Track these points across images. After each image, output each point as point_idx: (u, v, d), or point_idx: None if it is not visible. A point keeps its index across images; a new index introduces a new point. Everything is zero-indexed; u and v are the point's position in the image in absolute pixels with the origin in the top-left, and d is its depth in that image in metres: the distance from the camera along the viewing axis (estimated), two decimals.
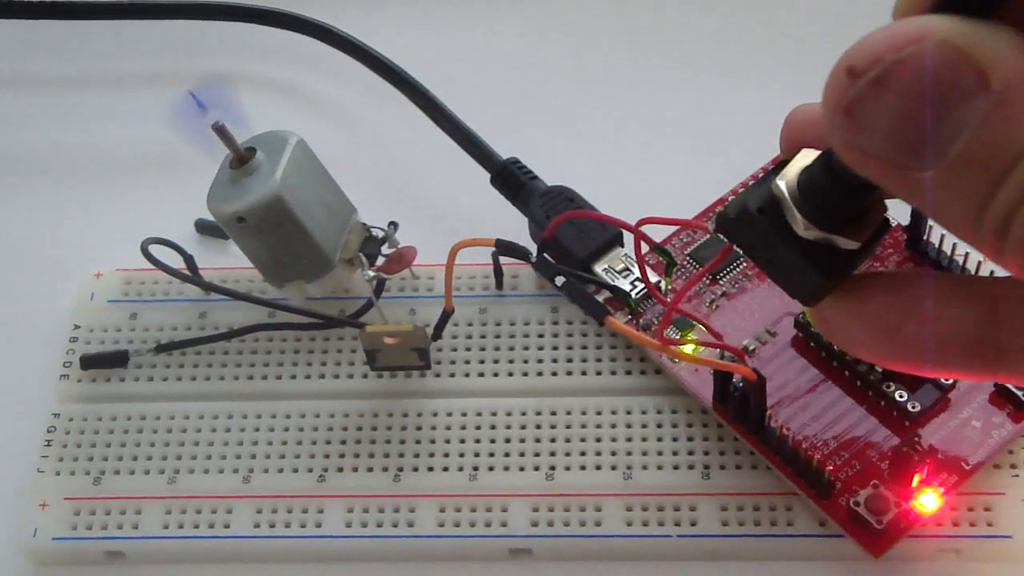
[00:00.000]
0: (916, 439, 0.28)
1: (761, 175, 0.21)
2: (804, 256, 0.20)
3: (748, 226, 0.21)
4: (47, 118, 0.41)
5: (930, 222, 0.31)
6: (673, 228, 0.33)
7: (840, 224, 0.20)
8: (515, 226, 0.34)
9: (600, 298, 0.32)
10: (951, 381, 0.30)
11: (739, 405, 0.29)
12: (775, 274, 0.21)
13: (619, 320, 0.30)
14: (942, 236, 0.31)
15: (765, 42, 0.41)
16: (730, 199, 0.21)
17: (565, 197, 0.34)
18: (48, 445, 0.32)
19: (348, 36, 0.39)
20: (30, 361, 0.34)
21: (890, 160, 0.17)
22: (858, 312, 0.21)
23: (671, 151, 0.38)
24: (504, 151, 0.35)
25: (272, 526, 0.30)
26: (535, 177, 0.35)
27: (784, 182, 0.20)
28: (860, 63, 0.17)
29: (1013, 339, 0.19)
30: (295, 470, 0.31)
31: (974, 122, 0.17)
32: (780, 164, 0.21)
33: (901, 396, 0.30)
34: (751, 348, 0.31)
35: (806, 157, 0.20)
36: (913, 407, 0.29)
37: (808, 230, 0.20)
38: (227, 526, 0.31)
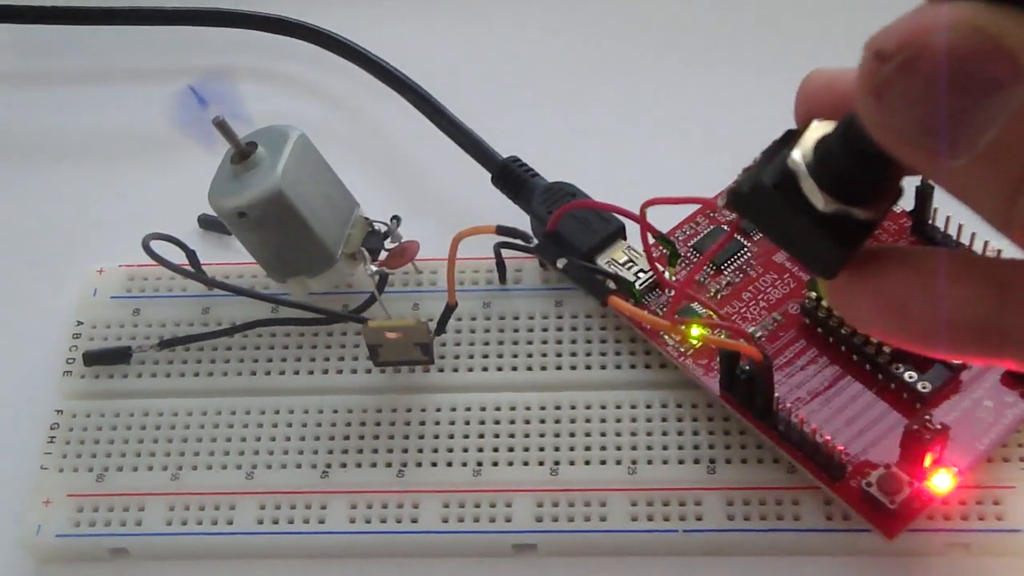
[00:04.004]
0: (927, 419, 0.28)
1: (767, 149, 0.21)
2: (823, 230, 0.20)
3: (763, 202, 0.20)
4: (49, 115, 0.41)
5: (935, 206, 0.31)
6: (675, 222, 0.33)
7: (859, 196, 0.20)
8: (518, 222, 0.34)
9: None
10: (963, 361, 0.29)
11: (746, 390, 0.29)
12: (791, 248, 0.21)
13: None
14: (947, 219, 0.31)
15: (768, 34, 0.40)
16: (740, 175, 0.21)
17: (567, 192, 0.34)
18: (51, 442, 0.32)
19: (347, 41, 0.39)
20: (33, 357, 0.34)
21: (921, 146, 0.17)
22: (867, 287, 0.20)
23: (673, 146, 0.38)
24: (504, 148, 0.35)
25: (275, 522, 0.30)
26: (536, 174, 0.35)
27: (800, 155, 0.20)
28: (888, 47, 0.17)
29: (1019, 322, 0.19)
30: (298, 466, 0.31)
31: (1006, 113, 0.16)
32: (787, 136, 0.21)
33: (911, 377, 0.29)
34: (758, 336, 0.31)
35: (818, 129, 0.20)
36: (923, 388, 0.29)
37: (829, 204, 0.20)
38: (230, 522, 0.30)
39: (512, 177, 0.35)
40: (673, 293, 0.31)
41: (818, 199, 0.20)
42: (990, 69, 0.16)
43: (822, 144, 0.20)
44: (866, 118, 0.18)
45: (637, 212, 0.28)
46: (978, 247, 0.30)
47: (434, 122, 0.37)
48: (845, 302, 0.21)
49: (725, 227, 0.32)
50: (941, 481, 0.28)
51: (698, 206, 0.33)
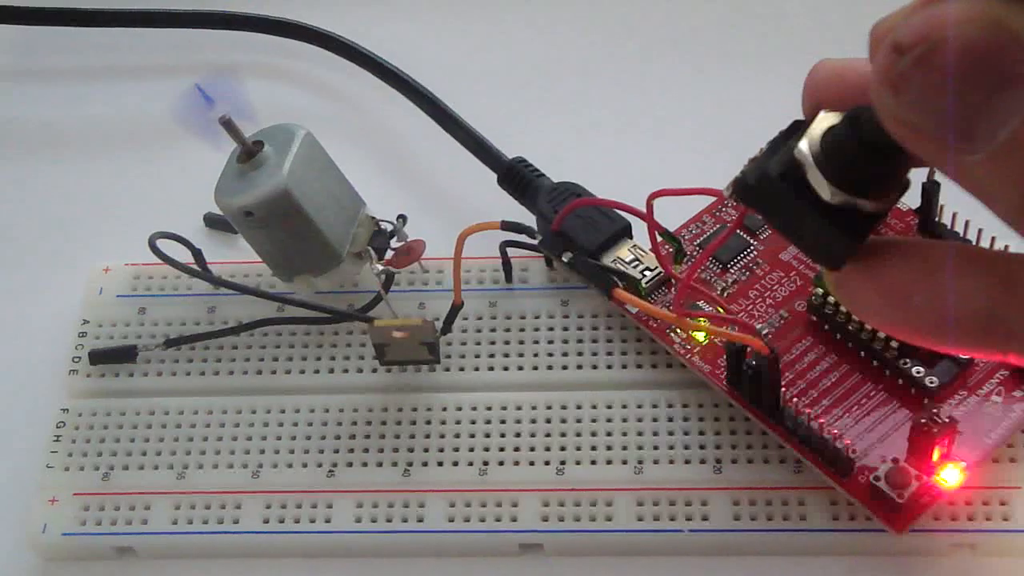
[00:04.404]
0: (935, 413, 0.28)
1: (774, 139, 0.21)
2: (829, 221, 0.20)
3: (769, 192, 0.20)
4: (56, 113, 0.41)
5: (941, 203, 0.31)
6: (682, 221, 0.33)
7: (866, 187, 0.20)
8: (525, 222, 0.34)
9: None
10: (969, 356, 0.29)
11: (753, 385, 0.29)
12: (797, 239, 0.21)
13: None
14: (953, 215, 0.31)
15: (774, 33, 0.40)
16: (746, 165, 0.21)
17: (572, 192, 0.34)
18: (57, 440, 0.32)
19: (353, 44, 0.39)
20: (39, 356, 0.35)
21: (938, 139, 0.17)
22: (871, 278, 0.20)
23: (680, 146, 0.38)
24: (510, 148, 0.35)
25: (281, 521, 0.30)
26: (542, 175, 0.35)
27: (808, 146, 0.20)
28: (906, 39, 0.17)
29: (1022, 319, 0.19)
30: (304, 465, 0.31)
31: (1023, 109, 0.16)
32: (794, 127, 0.21)
33: (918, 372, 0.29)
34: (765, 333, 0.31)
35: (825, 120, 0.20)
36: (931, 382, 0.29)
37: (835, 195, 0.20)
38: (236, 521, 0.30)
39: (518, 177, 0.35)
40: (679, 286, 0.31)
41: (825, 190, 0.20)
42: (1008, 64, 0.16)
43: (829, 135, 0.20)
44: (882, 111, 0.18)
45: (643, 210, 0.28)
46: (984, 244, 0.30)
47: (440, 124, 0.37)
48: (849, 293, 0.21)
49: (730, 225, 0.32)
50: (950, 476, 0.28)
51: (704, 205, 0.33)
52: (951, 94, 0.16)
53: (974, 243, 0.31)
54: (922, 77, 0.17)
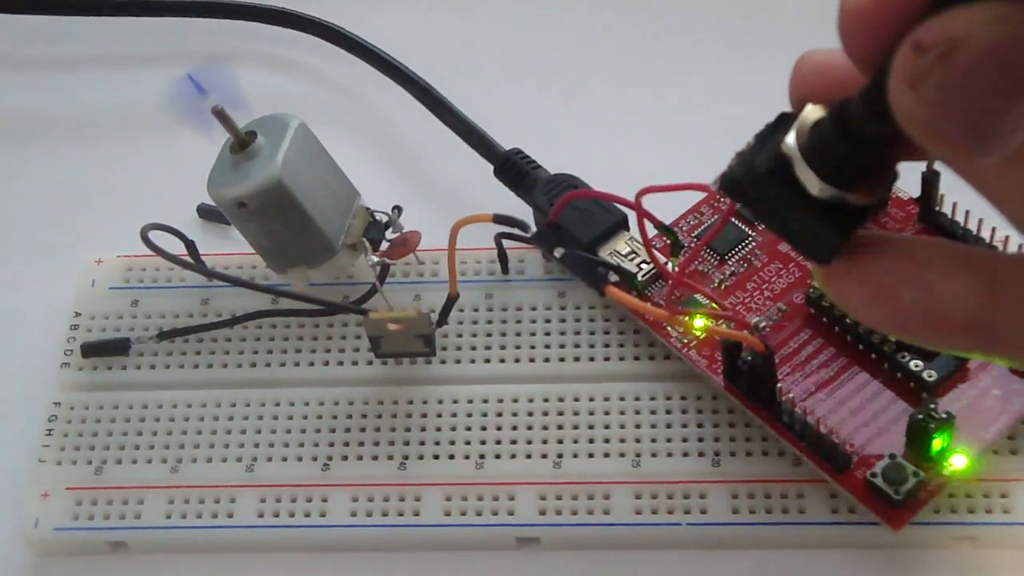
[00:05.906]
0: (933, 407, 0.27)
1: (761, 132, 0.21)
2: (817, 215, 0.20)
3: (756, 187, 0.20)
4: (48, 102, 0.41)
5: (941, 192, 0.31)
6: (679, 212, 0.33)
7: (854, 181, 0.19)
8: (521, 214, 0.34)
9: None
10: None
11: (749, 381, 0.29)
12: (785, 233, 0.21)
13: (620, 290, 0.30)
14: (954, 205, 0.31)
15: (773, 22, 0.40)
16: (733, 159, 0.20)
17: (569, 184, 0.33)
18: (49, 434, 0.32)
19: (349, 33, 0.39)
20: (31, 349, 0.34)
21: (952, 140, 0.17)
22: (858, 274, 0.20)
23: (678, 137, 0.37)
24: (506, 140, 0.35)
25: (276, 515, 0.30)
26: (538, 166, 0.34)
27: (794, 140, 0.19)
28: (927, 38, 0.16)
29: (1009, 319, 0.19)
30: (299, 459, 0.31)
31: None
32: (781, 120, 0.20)
33: (917, 366, 0.29)
34: (762, 326, 0.30)
35: (812, 113, 0.20)
36: (930, 376, 0.29)
37: (823, 190, 0.19)
38: (230, 516, 0.30)
39: (514, 169, 0.34)
40: (670, 283, 0.31)
41: (812, 184, 0.19)
42: None
43: (816, 128, 0.19)
44: (898, 109, 0.17)
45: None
46: (985, 233, 0.30)
47: (436, 114, 0.37)
48: (838, 289, 0.21)
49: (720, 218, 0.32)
50: (957, 461, 0.28)
51: (702, 196, 0.33)
52: (969, 95, 0.16)
53: (975, 232, 0.30)
54: (941, 76, 0.16)
